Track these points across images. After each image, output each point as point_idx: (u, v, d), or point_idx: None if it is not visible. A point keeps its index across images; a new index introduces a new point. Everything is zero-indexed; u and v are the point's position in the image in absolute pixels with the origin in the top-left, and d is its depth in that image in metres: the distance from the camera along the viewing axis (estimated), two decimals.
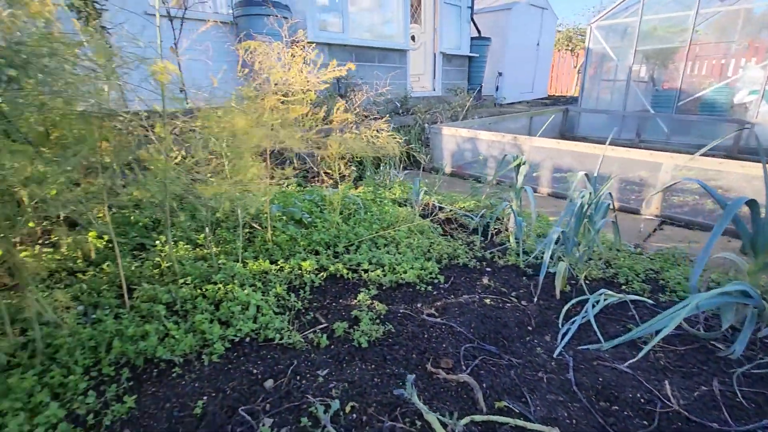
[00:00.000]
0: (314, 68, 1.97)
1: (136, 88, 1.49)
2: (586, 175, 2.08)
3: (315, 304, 1.91)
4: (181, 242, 2.24)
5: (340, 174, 2.52)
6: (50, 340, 1.46)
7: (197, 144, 1.69)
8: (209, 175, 1.77)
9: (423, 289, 2.04)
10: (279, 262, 2.13)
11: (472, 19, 8.63)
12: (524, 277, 2.18)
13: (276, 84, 1.90)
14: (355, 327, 1.71)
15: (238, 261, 2.07)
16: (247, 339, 1.63)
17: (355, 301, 1.91)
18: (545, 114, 6.75)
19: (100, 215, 1.82)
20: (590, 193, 1.93)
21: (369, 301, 1.90)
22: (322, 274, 2.12)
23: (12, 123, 1.15)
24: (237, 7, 4.64)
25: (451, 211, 2.95)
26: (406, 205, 3.04)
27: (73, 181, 1.38)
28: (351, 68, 2.00)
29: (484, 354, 1.59)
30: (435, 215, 2.91)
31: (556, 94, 13.79)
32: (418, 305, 1.90)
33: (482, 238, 2.62)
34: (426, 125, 5.07)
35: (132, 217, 2.38)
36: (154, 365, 1.48)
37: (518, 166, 2.41)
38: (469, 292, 2.02)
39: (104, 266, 1.96)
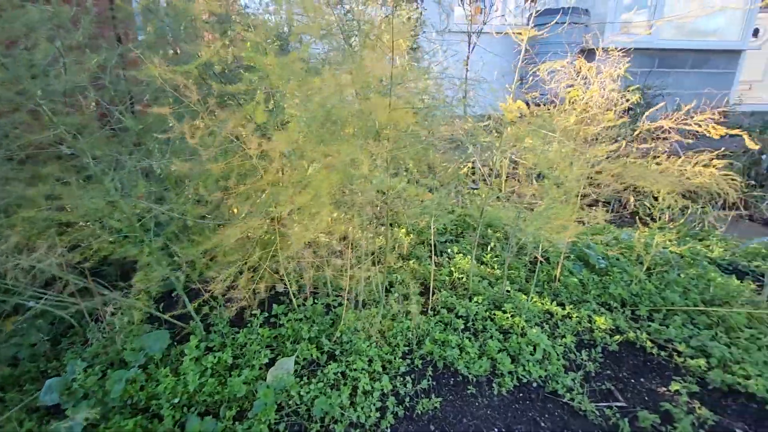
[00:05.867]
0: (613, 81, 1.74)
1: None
2: None
3: (608, 371, 1.64)
4: (468, 257, 2.25)
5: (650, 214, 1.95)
6: (388, 321, 1.74)
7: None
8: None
9: None
10: (567, 308, 1.94)
11: None
12: None
13: (571, 102, 1.74)
14: (668, 425, 1.39)
15: (524, 294, 1.99)
16: (534, 384, 1.55)
17: (665, 389, 1.55)
18: None
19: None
20: None
21: (686, 398, 1.50)
22: (617, 337, 1.80)
23: None
24: (535, 17, 4.35)
25: None
26: (734, 273, 2.29)
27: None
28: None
29: None
30: None
31: None
32: None
33: None
34: (764, 156, 3.84)
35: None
36: (451, 374, 1.58)
37: None
38: None
39: (410, 262, 2.19)
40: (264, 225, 1.45)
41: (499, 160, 1.93)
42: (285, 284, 1.71)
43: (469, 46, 4.07)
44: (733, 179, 1.71)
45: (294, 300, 1.79)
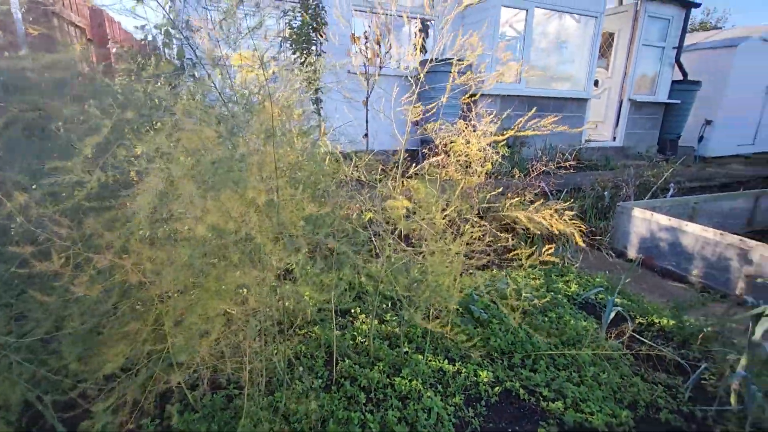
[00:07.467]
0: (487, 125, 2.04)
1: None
2: None
3: (490, 424, 1.81)
4: (370, 316, 2.41)
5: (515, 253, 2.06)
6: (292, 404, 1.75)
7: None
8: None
9: None
10: (456, 364, 2.14)
11: (678, 61, 7.52)
12: None
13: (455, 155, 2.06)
14: None
15: (420, 353, 2.17)
16: None
17: None
18: None
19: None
20: None
21: None
22: (497, 388, 1.99)
23: None
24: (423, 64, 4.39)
25: (644, 329, 2.53)
26: (586, 309, 2.79)
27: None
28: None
29: None
30: (623, 331, 2.45)
31: None
32: None
33: (688, 384, 2.02)
34: (606, 193, 4.50)
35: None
36: None
37: (758, 316, 1.83)
38: None
39: (315, 329, 2.26)
40: (149, 335, 1.39)
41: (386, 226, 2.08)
42: (180, 383, 1.63)
43: (367, 88, 4.35)
44: (579, 226, 2.03)
45: (190, 396, 1.71)
